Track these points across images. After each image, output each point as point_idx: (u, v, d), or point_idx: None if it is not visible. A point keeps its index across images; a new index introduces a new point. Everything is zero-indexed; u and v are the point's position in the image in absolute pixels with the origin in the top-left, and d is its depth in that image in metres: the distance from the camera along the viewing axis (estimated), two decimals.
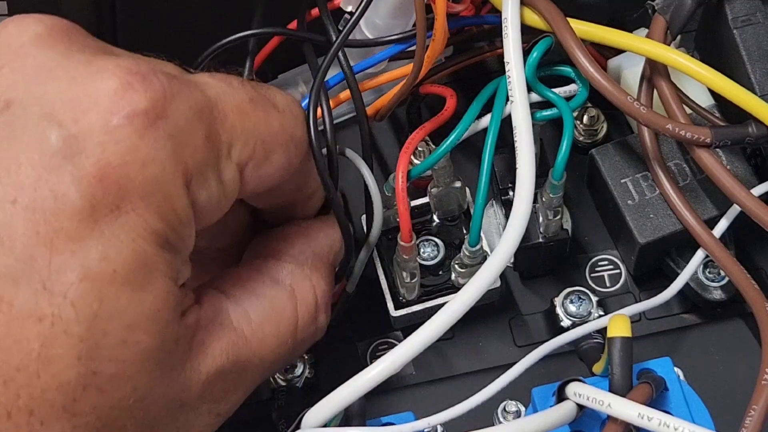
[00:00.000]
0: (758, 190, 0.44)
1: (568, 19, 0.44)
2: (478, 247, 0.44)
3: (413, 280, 0.45)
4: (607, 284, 0.49)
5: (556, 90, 0.45)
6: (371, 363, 0.47)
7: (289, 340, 0.38)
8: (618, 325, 0.39)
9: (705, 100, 0.47)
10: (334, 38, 0.43)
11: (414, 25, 0.44)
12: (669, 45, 0.44)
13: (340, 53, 0.43)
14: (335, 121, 0.50)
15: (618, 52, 0.48)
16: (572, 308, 0.47)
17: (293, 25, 0.46)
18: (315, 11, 0.45)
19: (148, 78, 0.33)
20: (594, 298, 0.47)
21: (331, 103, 0.46)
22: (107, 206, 0.31)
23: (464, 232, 0.47)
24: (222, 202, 0.35)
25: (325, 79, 0.45)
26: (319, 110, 0.41)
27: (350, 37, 0.46)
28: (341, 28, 0.43)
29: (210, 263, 0.41)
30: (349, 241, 0.43)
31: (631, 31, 0.46)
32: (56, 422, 0.31)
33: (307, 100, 0.41)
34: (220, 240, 0.42)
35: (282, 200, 0.40)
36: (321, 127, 0.41)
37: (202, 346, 0.35)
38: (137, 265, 0.32)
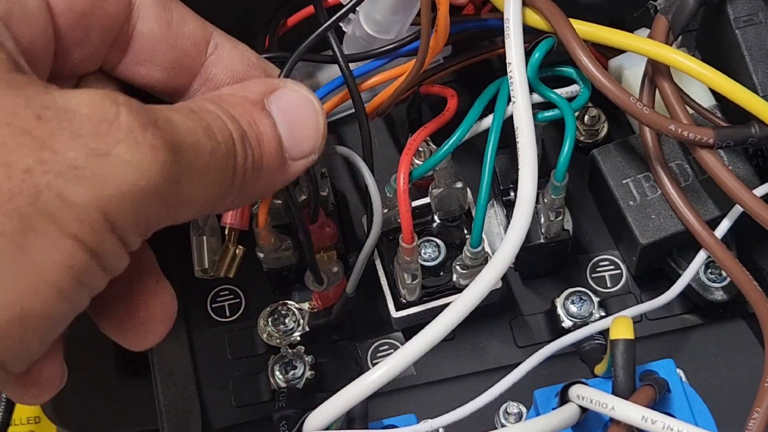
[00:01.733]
0: (760, 191, 0.44)
1: (570, 19, 0.43)
2: (479, 248, 0.44)
3: (414, 282, 0.45)
4: (609, 285, 0.49)
5: (558, 90, 0.45)
6: (372, 364, 0.47)
7: (209, 159, 0.33)
8: (621, 327, 0.39)
9: (707, 101, 0.47)
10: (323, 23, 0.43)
11: (414, 25, 0.44)
12: (671, 45, 0.44)
13: (339, 55, 0.43)
14: (334, 118, 0.51)
15: (619, 52, 0.48)
16: (573, 309, 0.47)
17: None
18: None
19: None
20: (595, 299, 0.47)
21: (331, 101, 0.46)
22: None
23: (465, 232, 0.47)
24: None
25: (325, 78, 0.45)
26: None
27: (348, 34, 0.46)
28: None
29: None
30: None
31: (631, 31, 0.46)
32: None
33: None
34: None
35: (159, 58, 0.37)
36: None
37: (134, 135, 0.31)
38: None
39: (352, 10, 0.43)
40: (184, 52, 0.38)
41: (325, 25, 0.42)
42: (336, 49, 0.43)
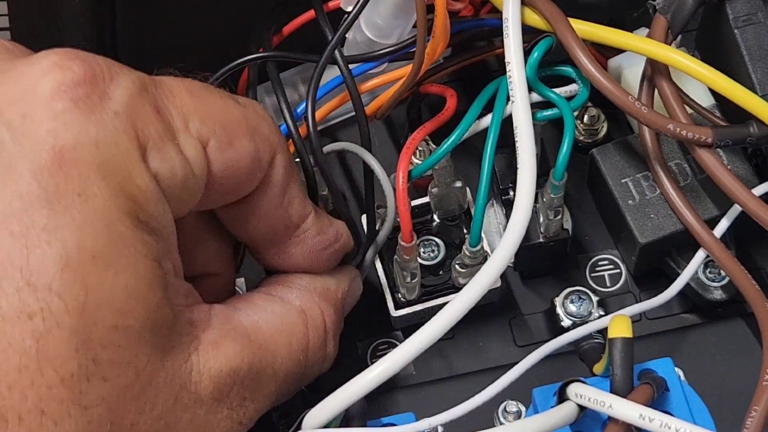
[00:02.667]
0: (759, 190, 0.44)
1: (569, 19, 0.43)
2: (478, 247, 0.44)
3: (414, 280, 0.45)
4: (608, 284, 0.49)
5: (557, 90, 0.45)
6: (371, 363, 0.47)
7: (300, 356, 0.38)
8: (619, 325, 0.39)
9: (706, 100, 0.47)
10: (330, 37, 0.43)
11: (414, 26, 0.44)
12: (670, 45, 0.44)
13: (337, 53, 0.43)
14: (334, 121, 0.51)
15: (618, 51, 0.48)
16: (572, 308, 0.47)
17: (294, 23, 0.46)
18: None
19: (87, 60, 0.33)
20: (594, 298, 0.47)
21: (331, 103, 0.46)
22: (72, 191, 0.31)
23: (464, 231, 0.47)
24: (190, 180, 0.35)
25: (324, 82, 0.45)
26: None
27: (350, 39, 0.46)
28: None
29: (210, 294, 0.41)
30: (356, 233, 0.43)
31: (631, 30, 0.46)
32: (69, 418, 0.31)
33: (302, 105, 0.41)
34: (210, 263, 0.41)
35: (263, 224, 0.39)
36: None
37: (214, 344, 0.35)
38: (114, 246, 0.32)
39: (356, 17, 0.43)
40: (278, 228, 0.40)
41: (333, 40, 0.43)
42: (337, 54, 0.43)
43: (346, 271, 0.42)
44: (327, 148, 0.45)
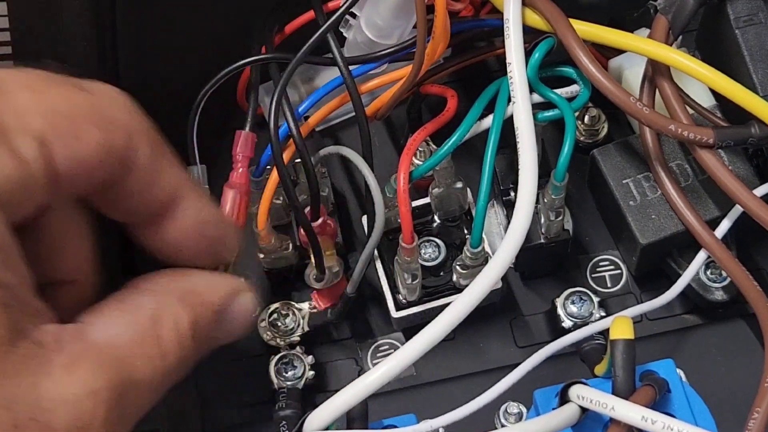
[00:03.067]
0: (760, 191, 0.44)
1: (570, 19, 0.43)
2: (479, 248, 0.44)
3: (414, 282, 0.45)
4: (609, 285, 0.49)
5: (558, 91, 0.45)
6: (372, 364, 0.47)
7: (158, 364, 0.36)
8: (621, 327, 0.39)
9: (707, 101, 0.47)
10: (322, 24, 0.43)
11: (415, 27, 0.44)
12: (671, 45, 0.44)
13: (337, 52, 0.43)
14: (334, 122, 0.51)
15: (619, 52, 0.48)
16: (573, 309, 0.47)
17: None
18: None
19: None
20: (595, 299, 0.47)
21: (330, 104, 0.46)
22: None
23: (465, 232, 0.47)
24: (27, 181, 0.33)
25: (325, 82, 0.45)
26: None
27: (350, 39, 0.46)
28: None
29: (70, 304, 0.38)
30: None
31: (631, 31, 0.46)
32: None
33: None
34: (64, 269, 0.38)
35: (135, 205, 0.37)
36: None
37: (68, 368, 0.32)
38: None
39: (348, 11, 0.43)
40: (156, 202, 0.38)
41: (324, 27, 0.42)
42: (336, 52, 0.43)
43: (230, 279, 0.39)
44: (322, 152, 0.45)
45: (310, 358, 0.47)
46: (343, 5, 0.42)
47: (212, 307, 0.38)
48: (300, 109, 0.45)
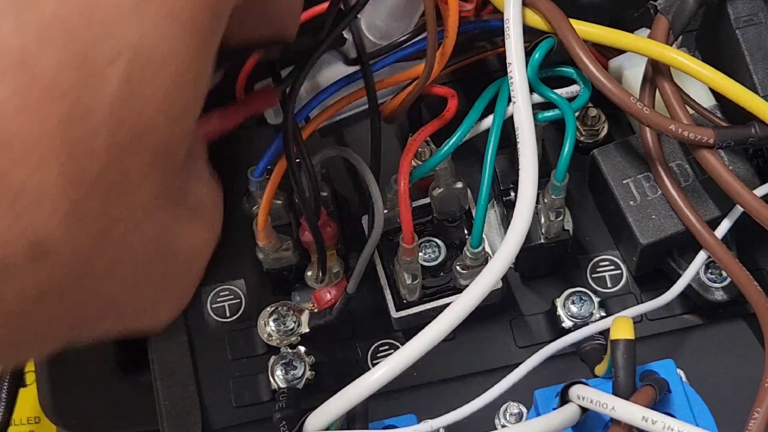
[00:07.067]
0: (761, 191, 0.44)
1: (570, 19, 0.43)
2: (480, 248, 0.44)
3: (414, 282, 0.45)
4: (609, 285, 0.49)
5: (558, 91, 0.45)
6: (372, 364, 0.47)
7: None
8: (621, 327, 0.39)
9: (707, 101, 0.47)
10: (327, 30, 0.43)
11: (416, 25, 0.44)
12: (671, 45, 0.44)
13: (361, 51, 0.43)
14: (337, 118, 0.51)
15: (619, 52, 0.48)
16: (574, 309, 0.47)
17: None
18: None
19: None
20: (595, 299, 0.47)
21: (334, 105, 0.46)
22: None
23: (465, 233, 0.47)
24: None
25: (325, 84, 0.45)
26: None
27: (350, 41, 0.46)
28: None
29: None
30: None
31: (631, 31, 0.46)
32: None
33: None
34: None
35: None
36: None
37: None
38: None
39: (356, 13, 0.42)
40: None
41: (330, 33, 0.42)
42: (357, 44, 0.43)
43: None
44: (323, 154, 0.45)
45: (310, 359, 0.47)
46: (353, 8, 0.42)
47: None
48: (304, 111, 0.45)
